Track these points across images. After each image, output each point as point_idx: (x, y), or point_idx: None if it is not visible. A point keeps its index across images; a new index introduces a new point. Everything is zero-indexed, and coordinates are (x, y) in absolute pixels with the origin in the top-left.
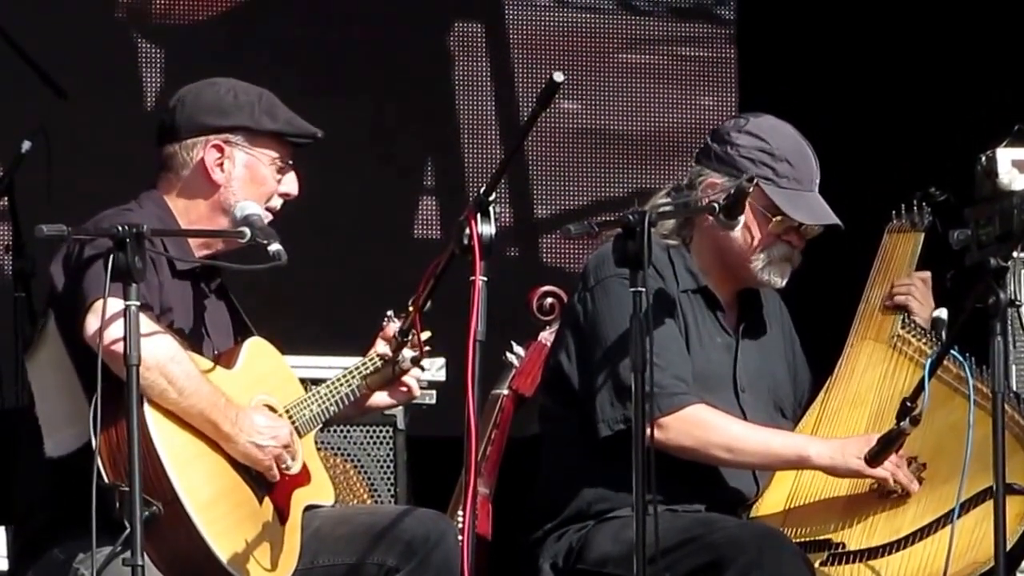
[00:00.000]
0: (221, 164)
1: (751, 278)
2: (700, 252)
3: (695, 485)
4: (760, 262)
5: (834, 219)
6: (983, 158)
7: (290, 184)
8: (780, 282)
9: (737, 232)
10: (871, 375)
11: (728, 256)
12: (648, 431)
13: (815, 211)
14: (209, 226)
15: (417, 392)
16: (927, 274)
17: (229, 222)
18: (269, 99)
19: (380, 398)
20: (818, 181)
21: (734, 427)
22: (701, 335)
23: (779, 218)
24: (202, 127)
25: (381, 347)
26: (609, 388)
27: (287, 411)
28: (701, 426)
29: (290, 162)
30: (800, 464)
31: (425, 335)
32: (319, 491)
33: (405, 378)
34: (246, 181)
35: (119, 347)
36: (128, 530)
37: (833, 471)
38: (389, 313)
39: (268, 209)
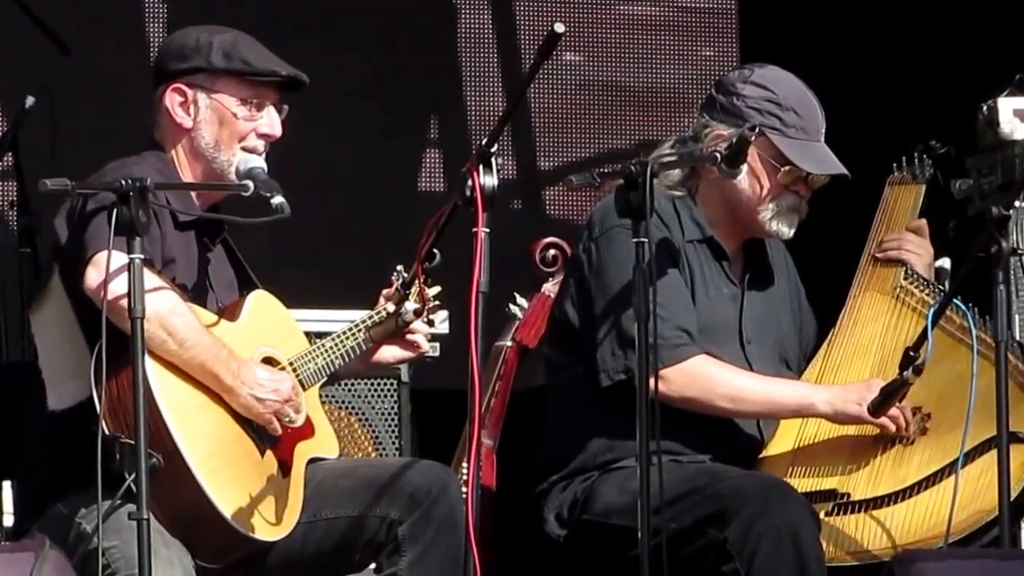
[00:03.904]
0: (187, 108)
1: (759, 228)
2: (707, 203)
3: (700, 436)
4: (769, 212)
5: (841, 169)
6: (984, 108)
7: (268, 124)
8: (788, 232)
9: (745, 183)
10: (874, 326)
11: (736, 207)
12: (652, 381)
13: (823, 160)
14: (192, 173)
15: (425, 347)
16: (921, 222)
17: (205, 167)
18: (235, 40)
19: (388, 353)
20: (824, 131)
21: (737, 378)
22: (708, 286)
23: (787, 168)
24: (165, 73)
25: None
26: (612, 338)
27: (291, 364)
28: (704, 377)
29: (270, 103)
30: (804, 412)
31: (435, 290)
32: (323, 444)
33: (412, 333)
34: (213, 123)
35: (120, 300)
36: (127, 482)
37: (835, 418)
38: (399, 268)
39: (247, 150)
